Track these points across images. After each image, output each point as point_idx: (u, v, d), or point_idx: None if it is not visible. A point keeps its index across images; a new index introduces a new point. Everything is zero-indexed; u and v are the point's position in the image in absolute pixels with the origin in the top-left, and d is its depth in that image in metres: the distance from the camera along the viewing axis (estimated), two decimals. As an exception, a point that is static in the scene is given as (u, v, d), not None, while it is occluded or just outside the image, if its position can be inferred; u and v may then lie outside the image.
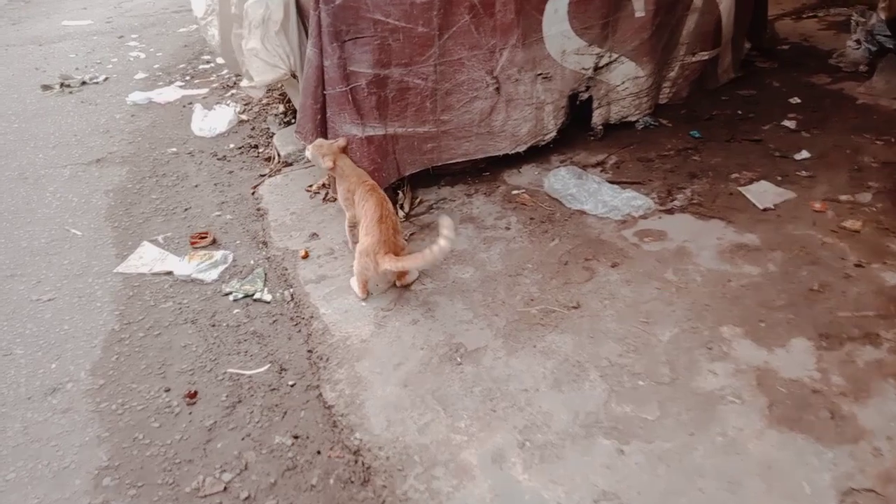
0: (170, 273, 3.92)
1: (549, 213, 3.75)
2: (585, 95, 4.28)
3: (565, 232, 3.57)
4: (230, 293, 3.70)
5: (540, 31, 3.89)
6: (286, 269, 3.78)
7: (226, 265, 3.94)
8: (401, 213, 4.01)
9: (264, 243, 4.12)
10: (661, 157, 4.09)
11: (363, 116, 3.63)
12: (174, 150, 5.58)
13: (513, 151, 4.12)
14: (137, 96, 6.68)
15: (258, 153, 5.38)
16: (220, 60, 7.56)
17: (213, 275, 3.86)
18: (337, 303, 3.39)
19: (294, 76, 3.98)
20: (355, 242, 3.43)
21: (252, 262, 3.96)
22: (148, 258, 4.10)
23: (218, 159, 5.36)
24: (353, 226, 3.63)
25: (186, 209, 4.67)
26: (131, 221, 4.56)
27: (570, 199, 3.72)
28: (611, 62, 4.20)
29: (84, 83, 7.21)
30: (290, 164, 5.06)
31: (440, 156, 3.97)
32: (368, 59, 3.51)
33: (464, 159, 4.04)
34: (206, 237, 4.27)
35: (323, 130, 3.72)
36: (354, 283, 3.37)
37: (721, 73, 4.77)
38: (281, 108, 5.89)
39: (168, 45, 8.34)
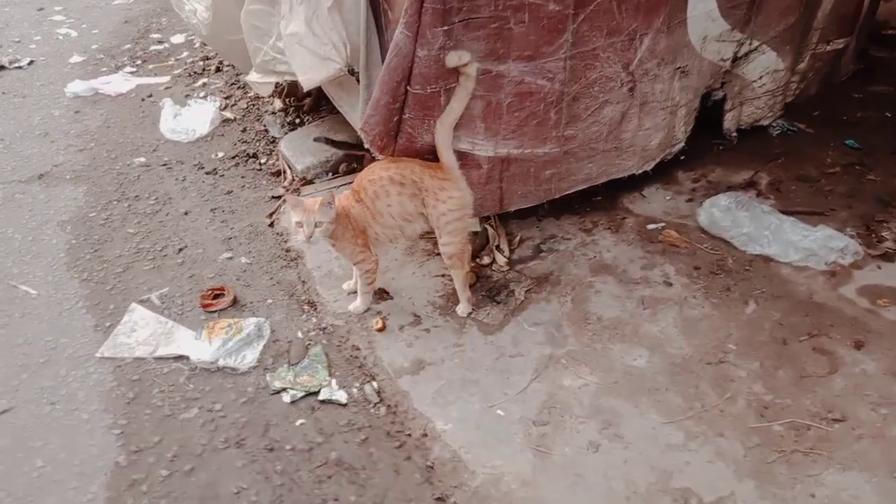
0: (183, 357, 2.73)
1: (717, 260, 2.79)
2: (720, 94, 3.33)
3: (757, 290, 2.63)
4: (283, 390, 2.57)
5: (685, 10, 2.90)
6: (358, 349, 2.68)
7: (263, 341, 2.79)
8: (500, 259, 2.95)
9: (310, 304, 2.98)
10: (827, 176, 3.22)
11: (460, 126, 2.54)
12: (143, 160, 4.27)
13: (640, 171, 3.13)
14: (79, 86, 5.24)
15: (260, 165, 4.15)
16: (176, 40, 6.17)
17: (248, 358, 2.71)
18: (458, 408, 2.35)
19: (351, 72, 2.83)
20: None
21: (300, 334, 2.83)
22: (144, 332, 2.89)
23: (206, 173, 4.11)
24: (373, 278, 2.75)
25: (181, 249, 3.44)
26: (106, 270, 3.30)
27: (744, 239, 2.78)
28: (750, 51, 3.27)
29: (3, 68, 5.66)
30: (312, 182, 3.88)
31: (559, 185, 2.94)
32: (479, 49, 2.43)
33: (584, 186, 3.01)
34: (222, 295, 3.08)
35: (395, 137, 2.61)
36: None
37: (844, 65, 3.93)
38: (278, 103, 4.65)
39: (104, 19, 6.77)
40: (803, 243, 2.69)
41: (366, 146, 2.76)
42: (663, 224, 3.00)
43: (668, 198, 3.19)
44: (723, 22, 3.08)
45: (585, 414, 2.26)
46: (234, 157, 4.25)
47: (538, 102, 2.61)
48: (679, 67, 3.01)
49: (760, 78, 3.37)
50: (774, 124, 3.57)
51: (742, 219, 2.82)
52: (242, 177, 4.07)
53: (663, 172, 3.24)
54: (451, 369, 2.50)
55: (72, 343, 2.86)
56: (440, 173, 2.55)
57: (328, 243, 2.63)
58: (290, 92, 4.49)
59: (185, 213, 3.76)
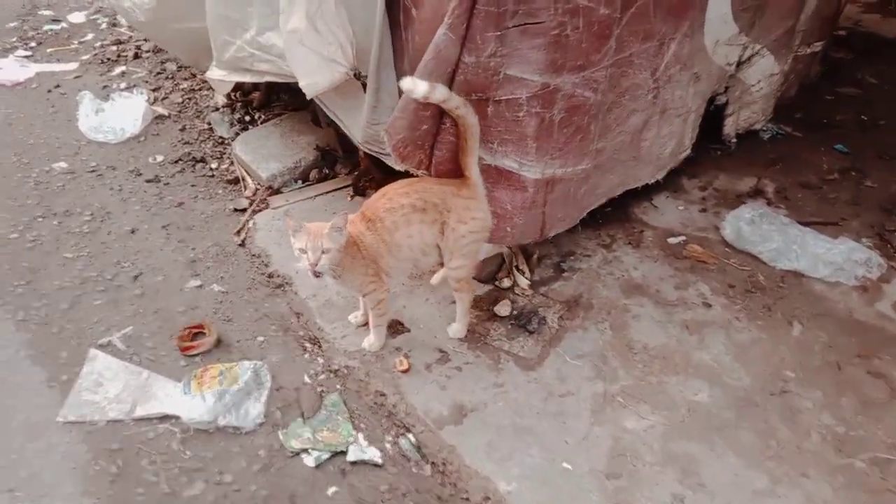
0: (170, 417, 2.30)
1: (749, 277, 2.70)
2: (723, 99, 3.24)
3: (797, 309, 2.55)
4: (303, 451, 2.21)
5: (705, 12, 2.75)
6: (383, 395, 2.36)
7: (265, 390, 2.41)
8: (522, 282, 2.71)
9: (312, 342, 2.61)
10: (827, 183, 3.21)
11: (508, 143, 2.27)
12: (64, 165, 3.66)
13: (653, 180, 2.98)
14: (-37, 73, 4.42)
15: (211, 171, 3.66)
16: (74, 19, 5.39)
17: (252, 413, 2.33)
18: (518, 463, 2.11)
19: (357, 76, 2.44)
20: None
21: (307, 378, 2.47)
22: (114, 385, 2.42)
23: (147, 181, 3.56)
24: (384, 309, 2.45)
25: (136, 276, 2.94)
26: (47, 307, 2.76)
27: (773, 254, 2.70)
28: (753, 55, 3.20)
29: None
30: (280, 191, 3.44)
31: (588, 201, 2.74)
32: (540, 60, 2.15)
33: (604, 200, 2.82)
34: (202, 333, 2.64)
35: (429, 153, 2.31)
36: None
37: (813, 67, 3.97)
38: (220, 98, 4.12)
39: (-22, -10, 5.79)
40: (828, 257, 2.66)
41: (386, 151, 2.42)
42: (684, 238, 2.88)
43: (680, 208, 3.07)
44: (733, 25, 2.97)
45: (659, 461, 2.09)
46: (177, 162, 3.72)
47: (583, 116, 2.37)
48: (695, 73, 2.88)
49: (759, 82, 3.32)
50: (765, 128, 3.55)
51: (770, 233, 2.75)
52: (192, 185, 3.56)
53: (669, 181, 3.11)
54: (497, 415, 2.25)
55: (21, 406, 2.34)
56: (465, 191, 2.27)
57: (329, 274, 2.28)
58: (236, 86, 3.97)
59: (132, 231, 3.22)
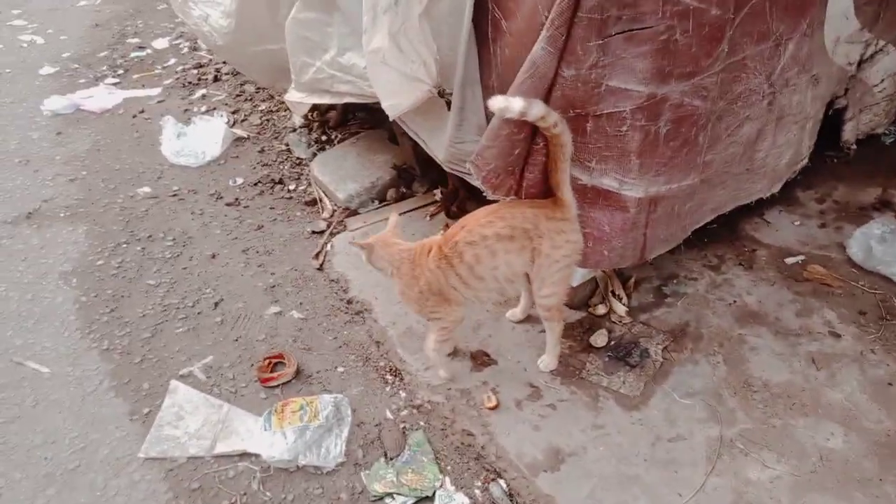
0: (250, 455, 2.20)
1: (881, 302, 2.39)
2: (843, 102, 2.92)
3: (943, 341, 2.22)
4: (386, 495, 2.06)
5: (825, 9, 2.46)
6: (471, 436, 2.18)
7: (346, 426, 2.28)
8: (619, 309, 2.48)
9: (393, 373, 2.47)
10: (966, 192, 2.84)
11: (609, 160, 2.05)
12: (148, 189, 3.68)
13: (768, 194, 2.70)
14: (57, 102, 4.58)
15: (289, 192, 3.60)
16: (158, 45, 5.51)
17: (333, 451, 2.20)
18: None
19: (441, 94, 2.30)
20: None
21: (389, 414, 2.32)
22: (195, 419, 2.35)
23: (227, 204, 3.53)
24: (447, 336, 2.30)
25: (217, 303, 2.89)
26: (130, 335, 2.74)
27: (911, 277, 2.38)
28: (875, 52, 2.87)
29: (-38, 83, 4.96)
30: (357, 212, 3.34)
31: (693, 219, 2.49)
32: (646, 69, 1.94)
33: (711, 217, 2.56)
34: (282, 363, 2.56)
35: (519, 177, 2.13)
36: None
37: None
38: (297, 119, 4.08)
39: (70, 23, 6.02)
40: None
41: (477, 184, 2.27)
42: (803, 257, 2.58)
43: (796, 223, 2.76)
44: (855, 20, 2.66)
45: (791, 524, 1.82)
46: (256, 184, 3.69)
47: (691, 127, 2.13)
48: (814, 75, 2.58)
49: (882, 81, 2.97)
50: (887, 132, 3.19)
51: (907, 251, 2.42)
52: (271, 207, 3.51)
53: (782, 193, 2.80)
54: (599, 462, 2.03)
55: (105, 439, 2.30)
56: (558, 213, 2.07)
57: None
58: (312, 105, 3.91)
59: (213, 256, 3.19)
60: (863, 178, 2.95)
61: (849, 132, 3.03)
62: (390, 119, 2.27)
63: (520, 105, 1.85)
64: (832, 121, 2.96)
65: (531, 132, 2.02)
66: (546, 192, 2.13)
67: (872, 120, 3.10)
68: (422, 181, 3.39)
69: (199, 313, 2.86)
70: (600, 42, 1.83)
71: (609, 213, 2.15)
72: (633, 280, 2.58)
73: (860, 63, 2.84)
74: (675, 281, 2.58)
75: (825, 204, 2.84)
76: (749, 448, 1.99)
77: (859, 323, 2.31)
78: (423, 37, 2.16)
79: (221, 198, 3.62)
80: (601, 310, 2.50)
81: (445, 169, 2.57)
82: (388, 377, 2.46)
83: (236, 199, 3.60)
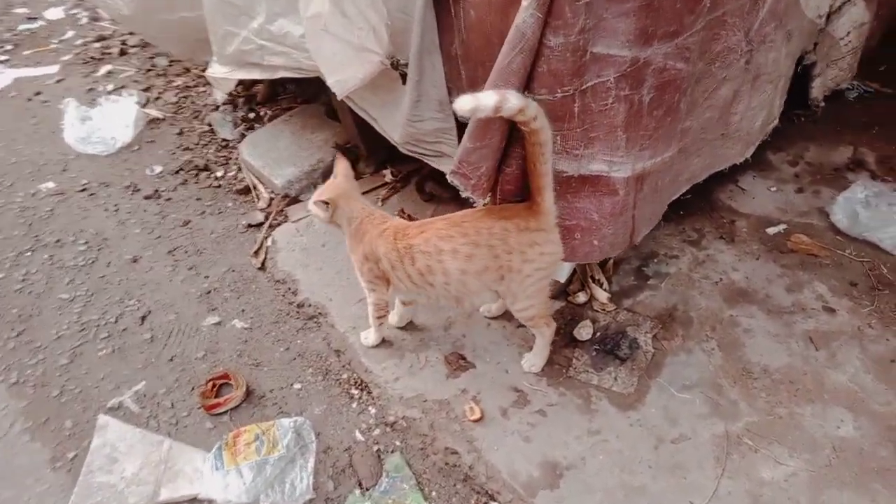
0: (201, 501, 1.89)
1: (870, 271, 2.26)
2: (812, 58, 2.75)
3: (937, 310, 2.12)
4: (368, 533, 1.81)
5: (802, -44, 2.27)
6: (455, 454, 1.94)
7: (311, 454, 2.00)
8: (601, 296, 2.27)
9: (360, 386, 2.20)
10: (936, 147, 2.76)
11: (596, 141, 1.80)
12: (52, 185, 3.21)
13: (741, 159, 2.52)
14: (-68, 85, 3.95)
15: (218, 180, 3.20)
16: (51, 15, 4.85)
17: (300, 487, 1.92)
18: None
19: (395, 65, 1.97)
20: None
21: (359, 435, 2.06)
22: (132, 462, 2.03)
23: (146, 198, 3.11)
24: (382, 313, 2.16)
25: (144, 317, 2.53)
26: (44, 363, 2.36)
27: (894, 241, 2.25)
28: (843, 3, 2.71)
29: None
30: (298, 199, 2.99)
31: (670, 192, 2.28)
32: (629, 30, 1.68)
33: (687, 187, 2.37)
34: (227, 384, 2.23)
35: (496, 174, 1.85)
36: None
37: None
38: (219, 95, 3.63)
39: (-57, -10, 5.26)
40: (964, 239, 2.22)
41: (428, 152, 1.99)
42: (785, 226, 2.43)
43: (772, 189, 2.61)
44: (827, -31, 2.48)
45: (811, 526, 1.68)
46: (177, 172, 3.26)
47: (674, 93, 1.90)
48: (788, 30, 2.39)
49: (848, 34, 2.82)
50: (851, 87, 3.07)
51: (891, 216, 2.29)
52: (198, 199, 3.11)
53: (754, 157, 2.63)
54: (600, 473, 1.83)
55: (22, 496, 1.94)
56: (532, 222, 1.82)
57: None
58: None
59: (134, 260, 2.79)
60: (832, 136, 2.82)
61: (817, 89, 2.88)
62: (337, 97, 1.93)
63: (493, 101, 1.56)
64: (800, 78, 2.81)
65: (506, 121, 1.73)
66: (523, 190, 1.86)
67: (838, 75, 2.96)
68: (368, 161, 3.05)
69: (123, 330, 2.48)
70: (587, 2, 1.55)
71: (597, 200, 1.91)
72: (611, 262, 2.37)
73: (829, 15, 2.68)
74: (655, 260, 2.39)
75: (798, 166, 2.70)
76: (758, 444, 1.84)
77: (852, 295, 2.19)
78: (373, 2, 1.82)
79: (139, 190, 3.18)
80: (581, 298, 2.28)
81: (402, 151, 2.26)
82: (354, 391, 2.18)
83: (156, 190, 3.17)
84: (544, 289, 1.96)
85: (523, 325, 2.22)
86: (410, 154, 2.25)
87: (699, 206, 2.55)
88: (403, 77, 2.02)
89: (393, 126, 2.19)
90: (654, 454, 1.86)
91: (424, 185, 2.80)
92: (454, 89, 2.07)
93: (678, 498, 1.76)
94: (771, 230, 2.43)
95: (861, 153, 2.72)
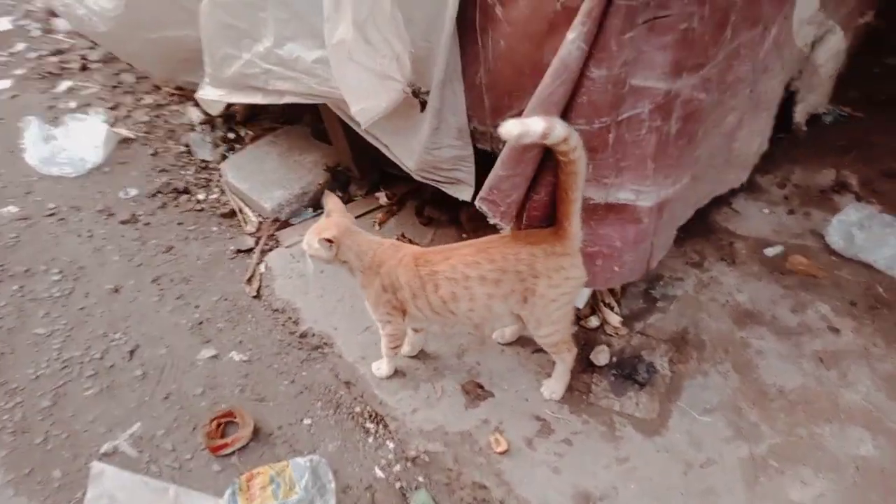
0: (219, 549, 1.79)
1: (867, 290, 2.35)
2: (797, 85, 2.87)
3: (934, 328, 2.22)
4: (399, 576, 1.74)
5: (797, -10, 2.37)
6: (484, 488, 1.90)
7: (330, 494, 1.91)
8: (613, 320, 2.29)
9: (374, 419, 2.13)
10: (909, 169, 2.91)
11: (626, 171, 1.81)
12: (14, 209, 3.03)
13: (738, 184, 2.59)
14: None
15: (199, 203, 3.09)
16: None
17: (322, 530, 1.83)
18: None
19: (415, 94, 1.93)
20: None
21: (379, 472, 1.99)
22: (135, 513, 1.87)
23: (122, 223, 2.97)
24: (398, 343, 2.12)
25: (132, 352, 2.40)
26: (23, 406, 2.21)
27: (890, 261, 2.35)
28: (826, 32, 2.83)
29: None
30: (289, 223, 2.91)
31: (681, 218, 2.30)
32: (665, 62, 1.70)
33: (692, 212, 2.41)
34: (233, 422, 2.12)
35: (525, 200, 1.84)
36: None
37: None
38: (195, 113, 3.51)
39: None
40: (950, 259, 2.34)
41: (445, 179, 1.97)
42: (782, 247, 2.50)
43: (765, 211, 2.69)
44: (815, 1, 2.59)
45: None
46: (155, 195, 3.12)
47: (695, 123, 1.94)
48: (784, 59, 2.49)
49: (826, 62, 2.95)
50: (827, 111, 3.21)
51: (885, 237, 2.40)
52: (179, 223, 2.98)
53: (743, 180, 2.73)
54: (633, 503, 1.82)
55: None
56: (559, 247, 1.81)
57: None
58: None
59: (115, 290, 2.65)
60: (814, 159, 2.94)
61: (800, 114, 3.00)
62: (362, 126, 1.88)
63: (541, 127, 1.54)
64: (784, 104, 2.92)
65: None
66: (550, 216, 1.86)
67: (816, 101, 3.10)
68: (361, 183, 3.00)
69: (111, 367, 2.34)
70: (630, 35, 1.57)
71: (621, 228, 1.92)
72: (619, 286, 2.40)
73: (814, 44, 2.81)
74: (661, 283, 2.42)
75: (786, 189, 2.80)
76: (783, 465, 1.87)
77: (853, 315, 2.27)
78: (395, 25, 1.79)
79: (113, 214, 3.03)
80: (594, 322, 2.29)
81: (415, 177, 2.22)
82: (369, 425, 2.11)
83: (133, 215, 3.02)
84: (568, 314, 1.95)
85: (538, 351, 2.22)
86: (424, 181, 2.22)
87: (697, 228, 2.60)
88: (423, 105, 1.99)
89: (407, 153, 2.15)
90: (683, 480, 1.87)
91: (423, 209, 2.77)
92: (474, 118, 2.06)
93: (713, 524, 1.78)
94: (769, 251, 2.50)
95: (844, 175, 2.84)
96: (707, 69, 1.89)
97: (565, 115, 1.67)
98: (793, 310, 2.29)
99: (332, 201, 2.01)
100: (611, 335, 2.26)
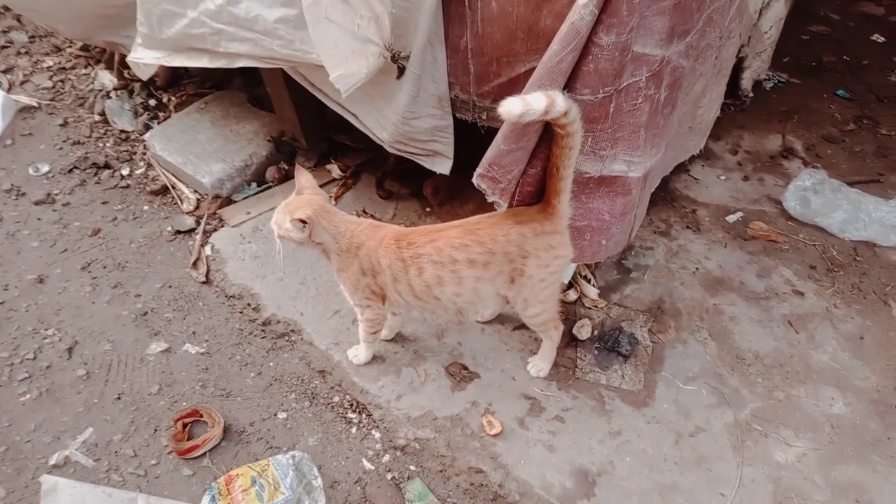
0: (204, 562, 1.66)
1: (822, 253, 2.45)
2: (746, 51, 2.93)
3: (887, 286, 2.34)
4: (404, 572, 1.69)
5: (756, -46, 2.39)
6: (480, 472, 1.86)
7: (317, 491, 1.81)
8: (590, 292, 2.29)
9: (356, 408, 2.03)
10: (847, 134, 3.04)
11: (620, 141, 1.77)
12: None
13: (698, 150, 2.63)
14: None
15: (124, 179, 2.82)
16: None
17: (316, 531, 1.73)
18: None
19: (396, 60, 1.79)
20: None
21: (367, 464, 1.91)
22: (101, 531, 1.70)
23: (36, 203, 2.69)
24: (377, 328, 2.03)
25: (70, 348, 2.17)
26: (-51, 421, 1.92)
27: (840, 224, 2.47)
28: (772, 0, 2.89)
29: None
30: (231, 200, 2.70)
31: (652, 187, 2.29)
32: (662, 28, 1.66)
33: (659, 181, 2.42)
34: (200, 421, 1.97)
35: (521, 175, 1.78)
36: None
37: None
38: (107, 76, 3.18)
39: None
40: (890, 220, 2.48)
41: (421, 151, 1.86)
42: (742, 213, 2.58)
43: (722, 178, 2.75)
44: (764, -37, 2.64)
45: (829, 498, 1.80)
46: (71, 171, 2.82)
47: (677, 90, 1.92)
48: (742, 26, 2.52)
49: (770, 28, 3.03)
50: (768, 77, 3.32)
51: (835, 201, 2.51)
52: (104, 202, 2.70)
53: (698, 146, 2.78)
54: (631, 476, 1.84)
55: None
56: (548, 225, 1.76)
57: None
58: (124, 61, 3.04)
59: (39, 281, 2.38)
60: (760, 124, 3.04)
61: (746, 80, 3.09)
62: (342, 95, 1.73)
63: (543, 103, 1.47)
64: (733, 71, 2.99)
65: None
66: (540, 192, 1.79)
67: (760, 66, 3.20)
68: (308, 154, 2.81)
69: (47, 367, 2.10)
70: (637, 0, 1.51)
71: (610, 200, 1.89)
72: (593, 257, 2.39)
73: (761, 11, 2.87)
74: (632, 252, 2.44)
75: (738, 155, 2.89)
76: (767, 428, 1.95)
77: (814, 277, 2.38)
78: (375, -13, 1.64)
79: (24, 194, 2.71)
80: (572, 295, 2.28)
81: (389, 150, 2.09)
82: (351, 415, 2.01)
83: (48, 194, 2.71)
84: (555, 293, 1.92)
85: (519, 328, 2.19)
86: (398, 153, 2.09)
87: (659, 197, 2.64)
88: (400, 70, 1.86)
89: (380, 123, 2.01)
90: (676, 450, 1.90)
91: (384, 182, 2.64)
92: (456, 85, 1.95)
93: (708, 490, 1.82)
94: (730, 218, 2.57)
95: (789, 141, 2.96)
96: (690, 36, 1.87)
97: (569, 84, 1.60)
98: (759, 275, 2.38)
99: (303, 177, 1.86)
100: (589, 308, 2.26)
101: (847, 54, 3.58)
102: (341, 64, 1.68)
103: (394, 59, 1.81)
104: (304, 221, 1.74)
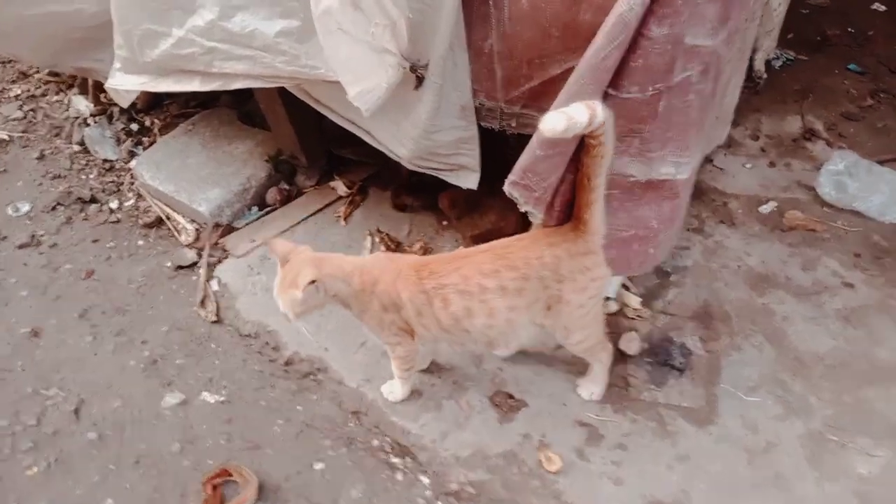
0: None
1: (865, 240, 2.31)
2: (759, 30, 2.76)
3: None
4: None
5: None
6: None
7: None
8: (633, 302, 2.12)
9: (399, 453, 1.85)
10: (866, 111, 2.89)
11: (669, 142, 1.60)
12: None
13: (723, 141, 2.47)
14: None
15: (113, 213, 2.61)
16: None
17: None
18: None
19: (415, 71, 1.58)
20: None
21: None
22: None
23: (21, 247, 2.48)
24: (411, 364, 1.84)
25: (77, 409, 1.98)
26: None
27: (881, 208, 2.32)
28: (778, -24, 2.74)
29: None
30: (233, 227, 2.49)
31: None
32: (714, 16, 1.49)
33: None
34: (231, 479, 1.77)
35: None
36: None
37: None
38: (82, 102, 2.94)
39: None
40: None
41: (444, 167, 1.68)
42: (775, 203, 2.42)
43: (747, 166, 2.60)
44: (780, -60, 2.48)
45: None
46: (54, 209, 2.59)
47: (718, 81, 1.75)
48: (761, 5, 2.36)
49: (779, 5, 2.88)
50: (776, 56, 3.17)
51: (873, 183, 2.37)
52: (94, 240, 2.49)
53: (719, 134, 2.62)
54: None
55: None
56: (581, 244, 1.60)
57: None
58: (100, 85, 2.78)
59: (34, 334, 2.16)
60: (777, 106, 2.89)
61: (759, 61, 2.93)
62: (364, 115, 1.52)
63: (586, 116, 1.33)
64: (745, 51, 2.83)
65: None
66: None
67: (769, 45, 3.05)
68: (309, 173, 2.61)
69: (54, 433, 1.89)
70: (685, -11, 1.33)
71: (657, 206, 1.72)
72: (626, 262, 2.22)
73: (770, -11, 2.72)
74: (668, 254, 2.28)
75: (760, 140, 2.73)
76: (842, 437, 1.80)
77: (861, 266, 2.23)
78: (391, -4, 1.44)
79: (5, 238, 2.49)
80: (613, 307, 2.11)
81: (408, 167, 1.89)
82: (394, 460, 1.82)
83: (32, 236, 2.48)
84: (599, 315, 1.75)
85: (561, 346, 2.01)
86: (419, 170, 1.90)
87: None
88: (419, 81, 1.66)
89: (397, 139, 1.82)
90: (750, 471, 1.75)
91: (401, 194, 2.43)
92: (480, 92, 1.75)
93: (792, 513, 1.67)
94: (763, 209, 2.42)
95: (809, 122, 2.81)
96: (731, 22, 1.71)
97: (613, 81, 1.43)
98: (803, 268, 2.23)
99: (277, 245, 1.65)
100: (633, 318, 2.09)
101: (850, 26, 3.44)
102: (359, 79, 1.48)
103: (412, 68, 1.60)
104: (314, 282, 1.55)
